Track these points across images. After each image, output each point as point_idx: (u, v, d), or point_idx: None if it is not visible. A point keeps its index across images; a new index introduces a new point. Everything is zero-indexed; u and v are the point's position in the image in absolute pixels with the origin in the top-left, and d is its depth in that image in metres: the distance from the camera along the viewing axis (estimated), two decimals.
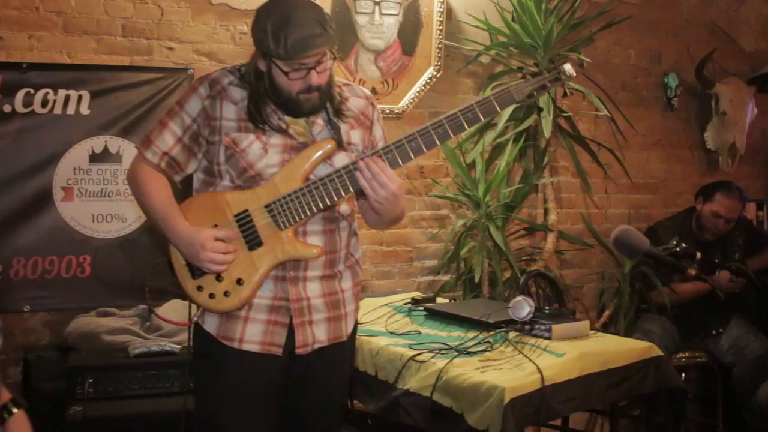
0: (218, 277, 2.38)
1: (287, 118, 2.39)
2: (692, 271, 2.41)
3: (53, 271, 3.95)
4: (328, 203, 2.35)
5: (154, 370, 3.48)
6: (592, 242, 4.91)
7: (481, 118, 2.35)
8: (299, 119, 2.41)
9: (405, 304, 3.79)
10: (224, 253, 2.33)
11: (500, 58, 4.85)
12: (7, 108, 3.82)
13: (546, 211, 4.81)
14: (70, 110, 3.94)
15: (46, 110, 3.89)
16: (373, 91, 4.59)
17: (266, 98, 2.37)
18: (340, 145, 2.40)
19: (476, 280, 4.32)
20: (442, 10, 4.67)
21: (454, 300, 4.27)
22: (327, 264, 2.46)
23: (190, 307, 2.48)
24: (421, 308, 3.66)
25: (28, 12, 3.90)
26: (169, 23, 4.16)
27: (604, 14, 4.71)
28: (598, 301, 5.07)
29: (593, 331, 3.21)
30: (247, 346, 2.40)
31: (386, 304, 3.81)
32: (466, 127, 2.34)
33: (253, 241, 2.37)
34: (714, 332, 4.69)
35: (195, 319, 2.46)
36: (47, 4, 3.93)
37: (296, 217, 2.35)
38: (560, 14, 4.57)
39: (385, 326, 3.45)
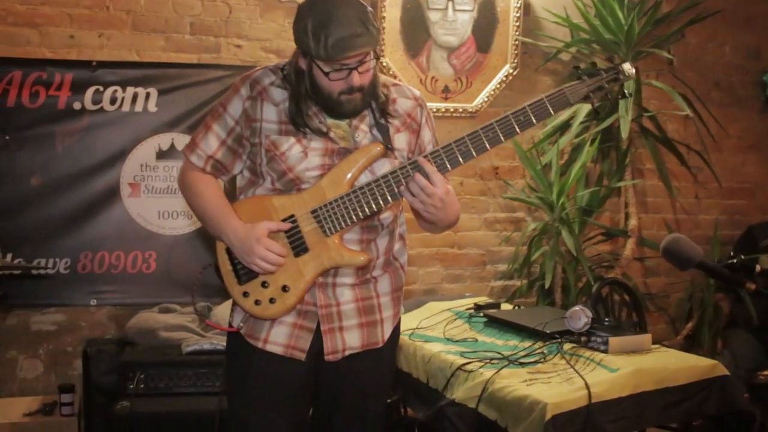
0: (264, 284, 2.32)
1: (329, 121, 2.31)
2: (751, 286, 2.20)
3: (119, 266, 4.03)
4: (375, 209, 2.26)
5: (205, 368, 3.48)
6: None
7: (534, 121, 2.22)
8: (341, 123, 2.33)
9: (467, 309, 3.66)
10: (278, 255, 2.27)
11: (581, 56, 4.64)
12: (76, 105, 3.93)
13: (626, 216, 4.58)
14: (138, 108, 4.01)
15: (114, 107, 3.98)
16: (446, 89, 4.48)
17: (307, 99, 2.29)
18: (388, 148, 2.31)
19: (546, 286, 4.15)
20: (519, 5, 4.52)
21: (519, 307, 4.10)
22: (359, 272, 2.37)
23: (232, 312, 2.44)
24: (482, 315, 3.53)
25: (99, 11, 3.98)
26: (237, 21, 4.16)
27: (692, 8, 4.44)
28: (683, 311, 4.81)
29: (656, 346, 3.00)
30: (270, 347, 2.34)
31: (449, 309, 3.68)
32: (517, 130, 2.22)
33: (299, 247, 2.30)
34: None
35: (241, 324, 2.41)
36: (117, 2, 4.00)
37: (342, 223, 2.27)
38: (644, 8, 4.34)
39: (443, 332, 3.34)
